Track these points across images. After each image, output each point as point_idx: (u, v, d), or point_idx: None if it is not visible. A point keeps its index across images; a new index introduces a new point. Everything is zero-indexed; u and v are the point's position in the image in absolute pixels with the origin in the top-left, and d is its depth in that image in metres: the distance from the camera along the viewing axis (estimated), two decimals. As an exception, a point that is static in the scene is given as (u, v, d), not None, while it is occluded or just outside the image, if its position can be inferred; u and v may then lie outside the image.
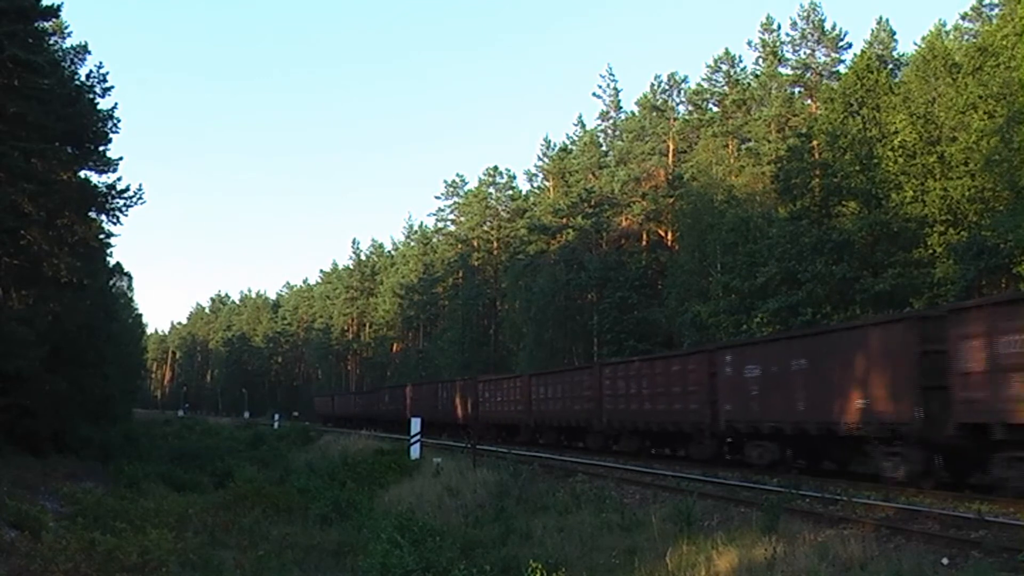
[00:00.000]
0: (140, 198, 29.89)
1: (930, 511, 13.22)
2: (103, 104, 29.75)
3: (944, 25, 44.42)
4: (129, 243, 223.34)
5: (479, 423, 39.53)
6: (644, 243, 57.06)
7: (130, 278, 62.48)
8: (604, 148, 65.40)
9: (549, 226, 63.29)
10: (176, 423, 64.86)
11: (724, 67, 57.06)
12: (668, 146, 57.93)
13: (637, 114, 61.15)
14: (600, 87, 65.45)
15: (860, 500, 14.54)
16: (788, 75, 51.48)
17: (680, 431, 24.94)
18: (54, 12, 25.37)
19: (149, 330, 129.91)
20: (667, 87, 59.83)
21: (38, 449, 24.55)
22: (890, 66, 43.77)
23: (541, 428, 36.02)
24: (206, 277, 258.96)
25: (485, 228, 78.07)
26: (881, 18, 55.67)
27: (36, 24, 24.86)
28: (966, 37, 43.83)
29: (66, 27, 31.39)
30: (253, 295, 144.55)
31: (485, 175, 79.09)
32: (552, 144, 71.95)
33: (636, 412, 27.44)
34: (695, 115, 58.24)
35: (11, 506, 14.22)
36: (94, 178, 30.42)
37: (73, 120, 27.12)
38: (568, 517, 14.96)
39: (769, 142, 47.74)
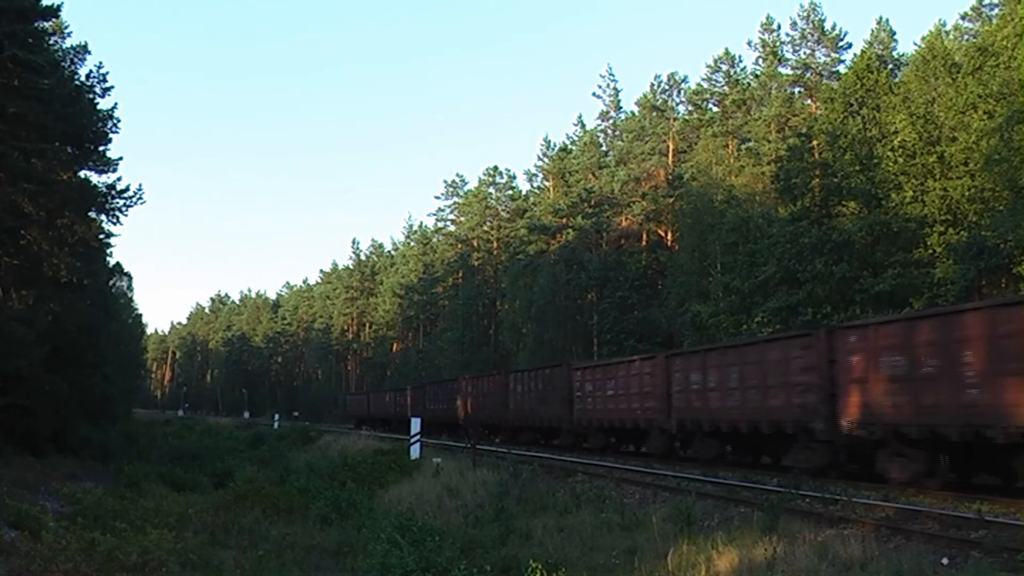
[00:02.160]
0: (140, 198, 29.96)
1: (930, 511, 13.21)
2: (103, 104, 29.84)
3: (944, 25, 44.54)
4: (129, 243, 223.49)
5: (590, 426, 30.72)
6: (644, 243, 57.08)
7: (130, 278, 62.57)
8: (604, 148, 65.43)
9: (549, 226, 63.31)
10: (176, 423, 64.86)
11: (724, 67, 57.12)
12: (668, 146, 57.95)
13: (637, 114, 61.19)
14: (600, 87, 65.64)
15: (860, 500, 14.52)
16: (788, 75, 51.54)
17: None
18: (54, 12, 25.38)
19: (149, 330, 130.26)
20: (667, 87, 59.92)
21: (38, 449, 24.55)
22: (890, 66, 43.79)
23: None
24: (206, 277, 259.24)
25: (485, 228, 78.10)
26: (881, 18, 55.87)
27: (36, 24, 24.87)
28: (966, 37, 43.87)
29: (66, 27, 31.46)
30: (253, 295, 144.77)
31: (485, 175, 79.27)
32: (552, 144, 72.11)
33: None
34: (695, 115, 58.27)
35: (11, 506, 14.21)
36: (94, 178, 30.50)
37: (73, 120, 27.14)
38: (568, 517, 14.95)
39: (769, 142, 47.76)
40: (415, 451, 26.65)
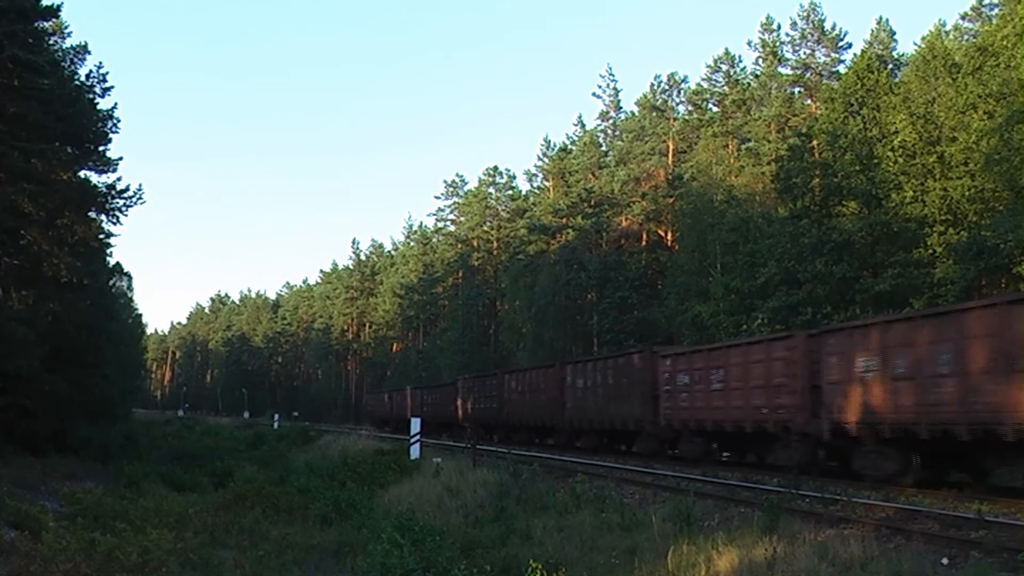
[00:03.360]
0: (140, 198, 29.90)
1: (930, 511, 13.22)
2: (103, 104, 29.79)
3: (944, 25, 44.56)
4: (129, 243, 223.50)
5: (685, 428, 25.09)
6: (644, 243, 57.08)
7: (130, 278, 62.50)
8: (604, 148, 65.42)
9: (549, 226, 63.32)
10: (176, 423, 64.85)
11: (724, 67, 57.13)
12: (668, 146, 57.95)
13: (637, 114, 61.19)
14: (600, 87, 65.63)
15: (860, 500, 14.54)
16: (788, 75, 51.55)
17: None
18: (54, 12, 25.37)
19: (149, 330, 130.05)
20: (667, 87, 59.92)
21: (38, 449, 24.54)
22: (890, 66, 43.79)
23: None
24: (206, 277, 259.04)
25: (485, 228, 78.10)
26: (881, 18, 55.82)
27: (36, 24, 24.86)
28: (966, 37, 43.86)
29: (66, 27, 31.43)
30: (253, 295, 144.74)
31: (485, 175, 79.29)
32: (552, 144, 72.12)
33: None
34: (695, 115, 58.27)
35: (11, 506, 14.21)
36: (94, 178, 30.44)
37: (73, 120, 27.13)
38: (568, 517, 14.95)
39: (769, 142, 47.77)
40: (415, 451, 26.65)
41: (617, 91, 64.76)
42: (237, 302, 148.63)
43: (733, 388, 22.12)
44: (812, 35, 50.41)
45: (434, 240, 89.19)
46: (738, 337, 31.76)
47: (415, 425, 27.91)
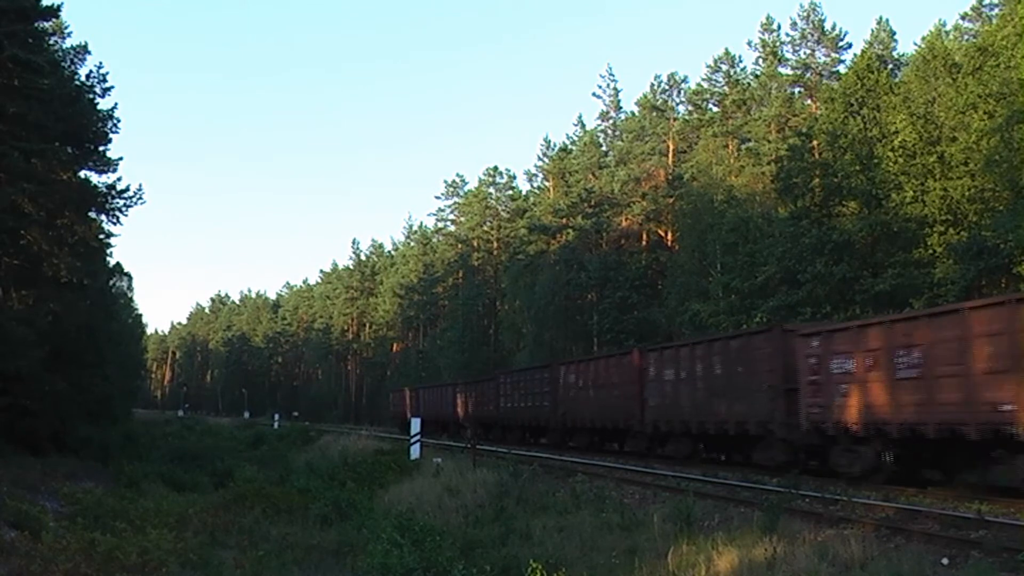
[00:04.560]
0: (140, 198, 29.87)
1: (930, 511, 13.22)
2: (103, 104, 29.74)
3: (944, 25, 44.62)
4: (129, 243, 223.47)
5: (845, 434, 18.53)
6: (644, 243, 57.08)
7: (130, 278, 62.42)
8: (604, 148, 65.41)
9: (549, 226, 63.31)
10: (176, 423, 64.78)
11: (724, 67, 57.09)
12: (668, 146, 57.94)
13: (637, 114, 61.17)
14: (600, 87, 65.60)
15: (860, 500, 14.53)
16: (788, 75, 51.52)
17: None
18: (54, 12, 25.34)
19: (149, 330, 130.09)
20: (667, 87, 59.90)
21: (38, 449, 24.51)
22: (890, 66, 43.79)
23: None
24: (206, 277, 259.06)
25: (485, 228, 78.10)
26: (881, 18, 55.81)
27: (36, 24, 24.84)
28: (966, 37, 43.86)
29: (66, 27, 31.42)
30: (253, 295, 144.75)
31: (485, 175, 79.28)
32: (552, 144, 72.09)
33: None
34: (695, 115, 58.25)
35: (11, 506, 14.20)
36: (94, 178, 30.42)
37: (73, 120, 27.11)
38: (568, 517, 14.95)
39: (769, 142, 47.77)
40: (415, 451, 26.65)
41: (617, 91, 64.83)
42: (237, 302, 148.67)
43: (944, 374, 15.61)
44: (812, 35, 50.40)
45: (434, 240, 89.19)
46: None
47: (415, 425, 27.93)
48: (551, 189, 69.95)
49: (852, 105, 36.74)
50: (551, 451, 31.09)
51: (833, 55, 50.38)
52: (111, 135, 29.74)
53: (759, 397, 20.92)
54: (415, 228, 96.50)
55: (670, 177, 55.43)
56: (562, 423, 33.04)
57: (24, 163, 23.36)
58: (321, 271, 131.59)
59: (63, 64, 29.22)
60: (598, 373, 30.68)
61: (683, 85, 59.63)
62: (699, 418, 23.74)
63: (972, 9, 46.27)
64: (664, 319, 46.78)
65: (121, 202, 29.58)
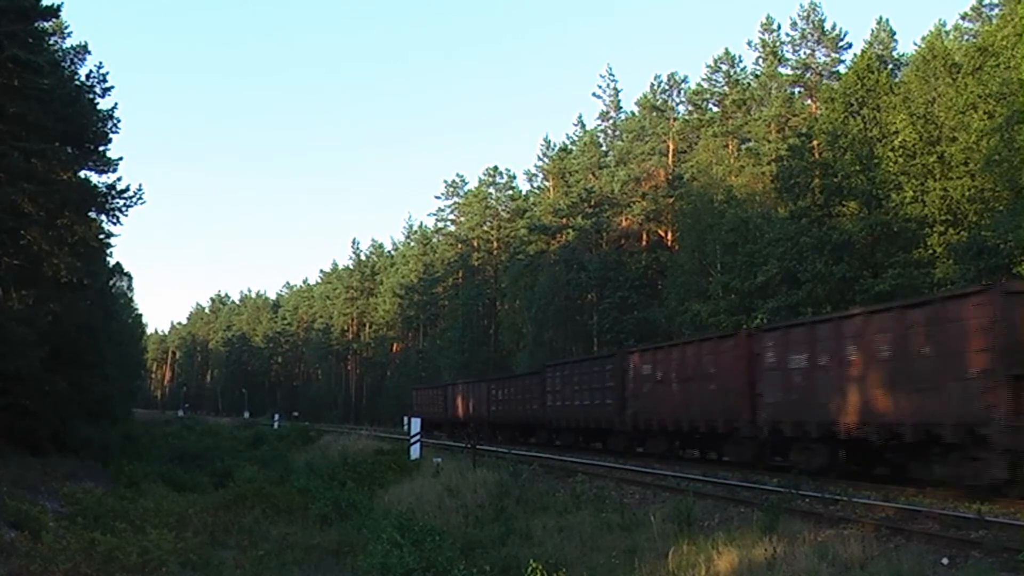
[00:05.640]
0: (140, 198, 29.88)
1: (930, 511, 13.21)
2: (103, 104, 29.74)
3: (944, 25, 44.59)
4: (129, 243, 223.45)
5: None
6: (644, 243, 57.08)
7: (130, 278, 62.44)
8: (604, 148, 65.42)
9: (549, 226, 63.31)
10: (176, 423, 64.80)
11: (724, 67, 57.12)
12: (668, 146, 57.95)
13: (637, 114, 61.19)
14: (600, 87, 65.60)
15: (860, 500, 14.53)
16: (788, 75, 51.55)
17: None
18: (54, 12, 25.34)
19: (149, 330, 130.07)
20: (667, 87, 59.92)
21: (38, 449, 24.51)
22: (890, 66, 43.79)
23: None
24: (206, 277, 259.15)
25: (485, 228, 78.10)
26: (881, 18, 55.65)
27: (36, 24, 24.83)
28: (966, 37, 43.86)
29: (66, 27, 31.40)
30: (253, 295, 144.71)
31: (485, 175, 79.28)
32: (552, 144, 72.12)
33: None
34: (695, 115, 58.27)
35: (11, 506, 14.21)
36: (94, 178, 30.40)
37: (73, 120, 27.09)
38: (568, 517, 14.95)
39: (769, 142, 47.78)
40: (415, 451, 26.66)
41: (617, 91, 64.85)
42: (237, 302, 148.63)
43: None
44: (812, 35, 50.41)
45: (434, 240, 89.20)
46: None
47: (415, 425, 27.93)
48: (551, 189, 69.95)
49: (852, 105, 36.74)
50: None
51: (833, 55, 50.41)
52: (111, 135, 29.77)
53: (968, 387, 15.08)
54: (415, 228, 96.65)
55: (670, 177, 55.44)
56: (632, 425, 27.28)
57: (24, 163, 23.34)
58: (321, 271, 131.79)
59: (63, 64, 29.21)
60: (686, 362, 24.71)
61: (683, 85, 59.73)
62: (854, 417, 17.53)
63: (972, 9, 46.31)
64: (664, 319, 46.77)
65: (121, 202, 29.60)
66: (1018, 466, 14.32)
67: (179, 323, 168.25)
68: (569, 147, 70.01)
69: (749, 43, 54.57)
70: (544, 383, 35.28)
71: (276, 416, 68.28)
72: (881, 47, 47.79)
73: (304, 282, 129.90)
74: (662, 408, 25.39)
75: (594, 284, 54.92)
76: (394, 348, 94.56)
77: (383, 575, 10.49)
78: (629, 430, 27.65)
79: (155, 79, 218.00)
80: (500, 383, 43.22)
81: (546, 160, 71.94)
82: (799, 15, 50.86)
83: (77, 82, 29.27)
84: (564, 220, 61.52)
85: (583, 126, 69.63)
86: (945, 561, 10.02)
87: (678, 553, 10.85)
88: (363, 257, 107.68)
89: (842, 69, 46.77)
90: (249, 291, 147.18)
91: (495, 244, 76.97)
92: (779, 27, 52.04)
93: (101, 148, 29.62)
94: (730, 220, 41.18)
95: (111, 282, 40.76)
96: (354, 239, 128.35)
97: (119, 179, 30.22)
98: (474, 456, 24.16)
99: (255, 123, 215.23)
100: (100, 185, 29.92)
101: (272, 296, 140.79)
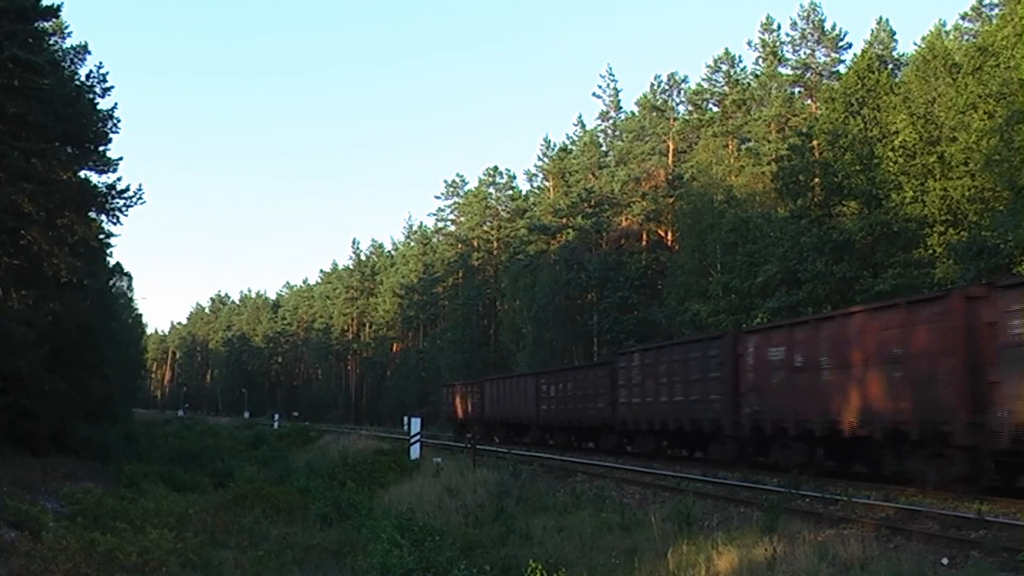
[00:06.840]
0: (140, 198, 29.85)
1: (930, 511, 13.20)
2: (103, 104, 29.70)
3: (944, 25, 44.58)
4: (129, 243, 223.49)
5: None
6: (644, 243, 57.09)
7: (130, 278, 62.35)
8: (604, 148, 65.45)
9: (549, 226, 63.32)
10: (176, 423, 64.83)
11: (724, 67, 57.14)
12: (668, 146, 57.97)
13: (637, 114, 61.20)
14: (600, 87, 65.64)
15: (860, 500, 14.53)
16: (788, 75, 51.58)
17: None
18: (54, 12, 25.34)
19: (149, 330, 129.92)
20: (667, 87, 59.95)
21: (38, 449, 24.50)
22: (890, 66, 43.77)
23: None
24: (206, 277, 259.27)
25: (485, 228, 78.12)
26: (881, 18, 55.66)
27: (36, 24, 24.84)
28: (966, 37, 43.86)
29: (66, 27, 31.39)
30: (253, 295, 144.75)
31: (485, 175, 79.32)
32: (552, 144, 72.14)
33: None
34: (695, 115, 58.29)
35: (11, 506, 14.21)
36: (94, 178, 30.38)
37: (73, 120, 27.08)
38: (568, 517, 14.95)
39: (769, 142, 47.79)
40: (415, 451, 26.66)
41: (617, 91, 64.88)
42: (237, 302, 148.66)
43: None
44: (812, 35, 50.43)
45: (434, 240, 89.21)
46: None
47: (415, 425, 27.94)
48: (551, 189, 69.96)
49: (852, 105, 36.73)
50: (551, 451, 27.47)
51: (833, 55, 50.43)
52: (111, 135, 29.73)
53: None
54: (415, 228, 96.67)
55: (670, 177, 55.45)
56: (751, 426, 20.98)
57: (24, 163, 23.34)
58: (321, 271, 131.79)
59: (63, 64, 29.19)
60: (835, 342, 18.15)
61: (683, 85, 59.76)
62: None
63: (972, 9, 46.30)
64: (664, 319, 46.77)
65: (121, 202, 29.58)
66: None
67: (179, 323, 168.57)
68: (569, 147, 70.03)
69: (749, 43, 54.69)
70: (614, 376, 29.40)
71: (276, 416, 68.28)
72: (881, 47, 47.78)
73: (304, 282, 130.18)
74: (802, 405, 19.01)
75: (594, 284, 54.93)
76: (394, 348, 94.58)
77: (383, 575, 10.49)
78: (746, 434, 21.34)
79: (155, 79, 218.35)
80: (553, 377, 36.55)
81: (546, 160, 71.97)
82: (799, 15, 50.97)
83: (77, 82, 29.25)
84: (564, 220, 61.53)
85: (583, 126, 69.76)
86: (945, 561, 10.02)
87: (678, 553, 10.85)
88: (363, 257, 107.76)
89: (842, 69, 46.79)
90: (249, 291, 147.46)
91: (495, 244, 76.98)
92: (779, 27, 52.16)
93: (101, 148, 29.60)
94: (730, 220, 41.18)
95: (111, 282, 40.76)
96: (354, 239, 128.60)
97: (119, 179, 30.23)
98: (474, 456, 24.18)
99: (255, 123, 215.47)
100: (100, 185, 29.93)
101: (272, 296, 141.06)
